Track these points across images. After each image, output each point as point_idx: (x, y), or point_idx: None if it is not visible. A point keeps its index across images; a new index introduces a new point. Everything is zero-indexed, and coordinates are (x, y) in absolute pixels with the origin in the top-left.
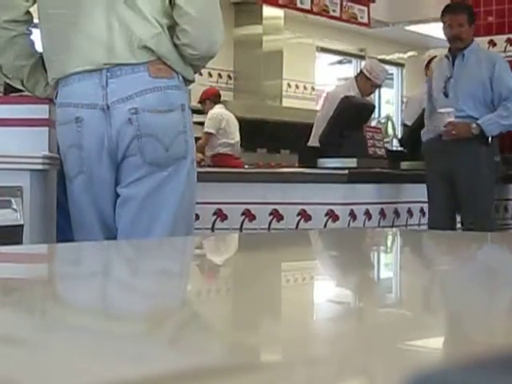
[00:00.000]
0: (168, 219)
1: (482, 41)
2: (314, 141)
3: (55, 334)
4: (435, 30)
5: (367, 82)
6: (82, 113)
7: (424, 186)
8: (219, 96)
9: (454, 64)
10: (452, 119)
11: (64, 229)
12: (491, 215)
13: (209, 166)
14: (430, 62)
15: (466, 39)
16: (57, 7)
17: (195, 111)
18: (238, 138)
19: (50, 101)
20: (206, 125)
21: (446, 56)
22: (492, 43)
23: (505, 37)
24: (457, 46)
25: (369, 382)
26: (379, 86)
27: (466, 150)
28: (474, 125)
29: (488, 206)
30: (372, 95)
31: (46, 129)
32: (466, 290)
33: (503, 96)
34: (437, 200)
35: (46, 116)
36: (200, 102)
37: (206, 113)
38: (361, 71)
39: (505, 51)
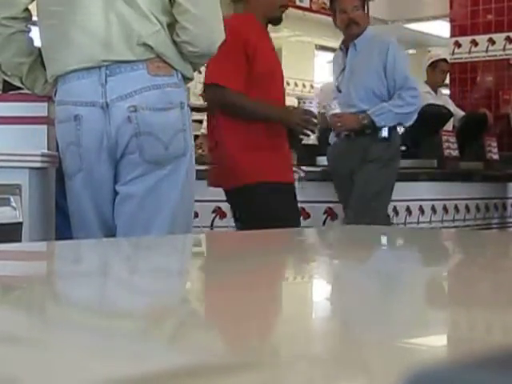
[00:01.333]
0: (167, 217)
1: (481, 39)
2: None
3: (55, 332)
4: (434, 28)
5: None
6: (81, 111)
7: (422, 184)
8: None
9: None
10: (337, 111)
11: (62, 229)
12: (384, 216)
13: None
14: (434, 62)
15: (362, 24)
16: (56, 4)
17: (194, 109)
18: None
19: (48, 99)
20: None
21: (340, 47)
22: (491, 41)
23: (504, 35)
24: (353, 32)
25: (368, 380)
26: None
27: (364, 146)
28: (364, 114)
29: (380, 207)
30: None
31: (45, 127)
32: (465, 287)
33: (397, 85)
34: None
35: (45, 114)
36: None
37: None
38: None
39: (504, 49)
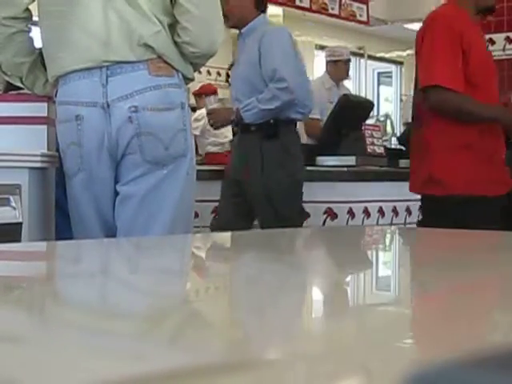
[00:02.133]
0: (167, 217)
1: None
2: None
3: (54, 332)
4: None
5: (336, 66)
6: (82, 111)
7: None
8: (216, 95)
9: None
10: (214, 106)
11: (62, 229)
12: (292, 220)
13: (203, 164)
14: None
15: (234, 16)
16: (56, 4)
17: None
18: (230, 136)
19: (48, 99)
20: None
21: (238, 39)
22: (491, 41)
23: (504, 35)
24: (228, 26)
25: (367, 380)
26: (349, 61)
27: (247, 145)
28: (234, 109)
29: (283, 211)
30: (369, 92)
31: (45, 127)
32: (466, 288)
33: (268, 77)
34: (226, 204)
35: (45, 114)
36: (196, 95)
37: (198, 108)
38: (326, 62)
39: (504, 50)
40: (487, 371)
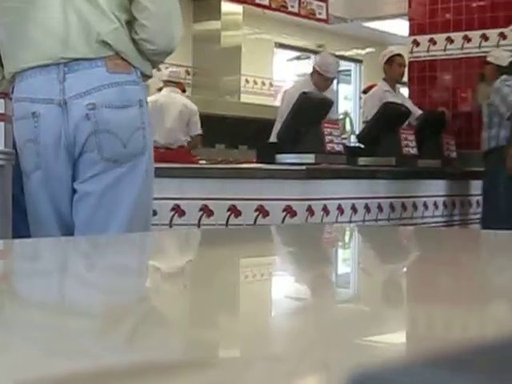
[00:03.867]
0: (125, 215)
1: (439, 37)
2: (274, 138)
3: (9, 331)
4: (393, 27)
5: (320, 77)
6: (39, 108)
7: (380, 181)
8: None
9: None
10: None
11: (19, 227)
12: None
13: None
14: (389, 58)
15: None
16: (13, 1)
17: None
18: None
19: (5, 95)
20: None
21: None
22: (449, 40)
23: (462, 34)
24: None
25: (325, 378)
26: (334, 79)
27: None
28: None
29: None
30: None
31: (2, 124)
32: (425, 285)
33: None
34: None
35: (2, 111)
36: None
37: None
38: (313, 68)
39: (462, 48)
40: (441, 370)
